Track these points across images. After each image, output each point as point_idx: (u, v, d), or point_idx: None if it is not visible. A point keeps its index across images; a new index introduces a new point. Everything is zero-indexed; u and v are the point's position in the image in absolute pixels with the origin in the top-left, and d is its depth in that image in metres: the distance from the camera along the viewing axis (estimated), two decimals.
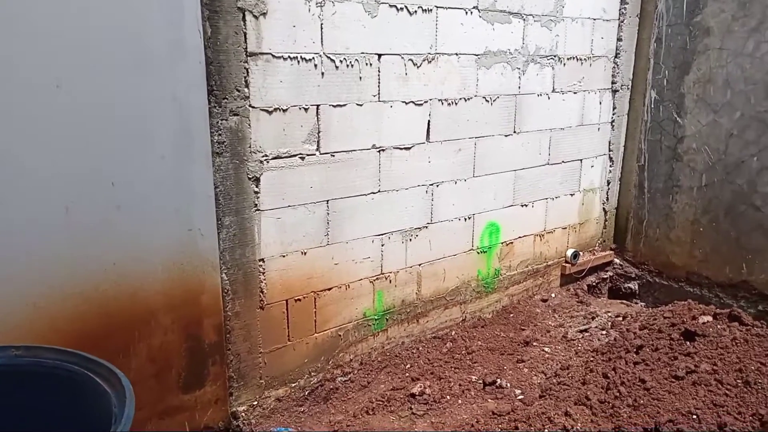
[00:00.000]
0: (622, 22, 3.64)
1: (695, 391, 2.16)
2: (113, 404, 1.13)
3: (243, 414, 2.53)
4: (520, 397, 2.57)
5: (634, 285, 4.05)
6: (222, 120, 2.22)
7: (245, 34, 2.21)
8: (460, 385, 2.71)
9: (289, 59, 2.34)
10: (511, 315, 3.49)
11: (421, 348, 3.11)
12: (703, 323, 2.46)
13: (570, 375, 2.55)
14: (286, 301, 2.58)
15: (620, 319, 3.20)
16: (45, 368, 1.35)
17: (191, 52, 2.03)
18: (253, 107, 2.29)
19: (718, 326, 2.44)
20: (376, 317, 2.94)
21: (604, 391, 2.30)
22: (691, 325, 2.47)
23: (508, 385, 2.67)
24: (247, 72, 2.25)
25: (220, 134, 2.23)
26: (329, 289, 2.72)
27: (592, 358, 2.62)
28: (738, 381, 2.20)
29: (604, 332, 3.03)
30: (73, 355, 1.33)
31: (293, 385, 2.69)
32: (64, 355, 1.34)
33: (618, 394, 2.24)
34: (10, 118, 1.74)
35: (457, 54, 2.88)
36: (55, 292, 1.91)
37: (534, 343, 3.09)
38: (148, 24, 1.92)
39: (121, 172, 1.97)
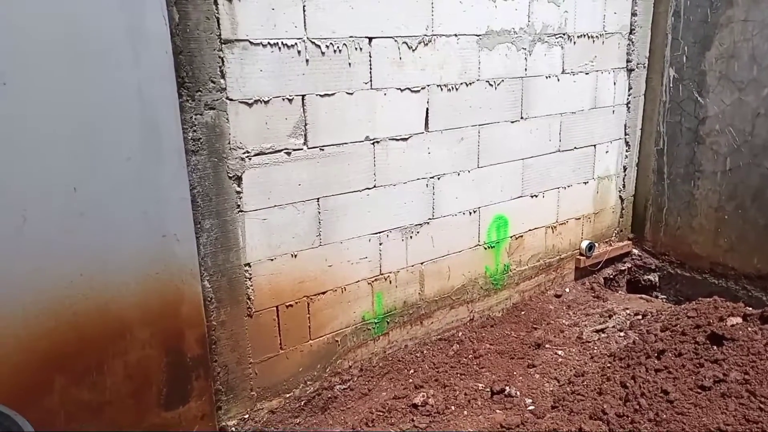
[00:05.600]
0: None
1: (725, 404, 1.94)
2: None
3: (233, 428, 2.37)
4: (531, 407, 2.36)
5: (654, 277, 3.82)
6: (196, 115, 2.03)
7: (218, 19, 2.01)
8: (466, 393, 2.51)
9: (269, 46, 2.14)
10: (523, 313, 3.29)
11: (425, 351, 2.93)
12: (732, 326, 2.22)
13: (585, 383, 2.34)
14: (277, 307, 2.41)
15: (639, 318, 2.97)
16: None
17: (155, 40, 1.83)
18: (231, 100, 2.10)
19: (749, 329, 2.20)
20: (376, 320, 2.76)
21: (622, 403, 2.09)
22: (718, 328, 2.24)
23: (518, 393, 2.47)
24: (223, 61, 2.05)
25: (195, 130, 2.04)
26: (323, 293, 2.54)
27: (609, 364, 2.41)
28: None
29: (622, 333, 2.81)
30: None
31: (288, 395, 2.52)
32: None
33: (638, 407, 2.03)
34: None
35: (456, 35, 2.65)
36: (15, 309, 1.75)
37: (546, 345, 2.88)
38: (99, 9, 1.72)
39: (82, 176, 1.79)
